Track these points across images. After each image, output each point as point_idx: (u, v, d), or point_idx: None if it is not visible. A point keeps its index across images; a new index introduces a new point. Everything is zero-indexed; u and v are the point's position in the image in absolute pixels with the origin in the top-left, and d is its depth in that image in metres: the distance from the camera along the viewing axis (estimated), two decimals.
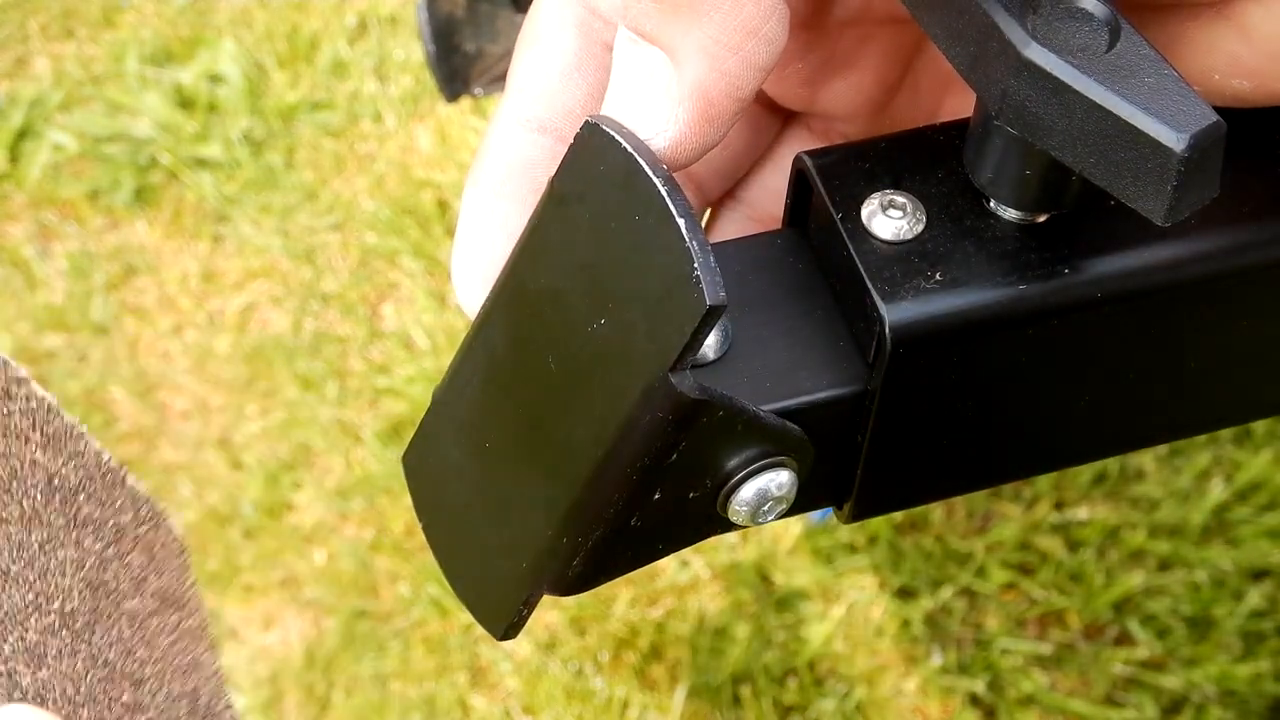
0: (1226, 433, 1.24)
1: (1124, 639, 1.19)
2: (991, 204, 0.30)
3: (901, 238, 0.29)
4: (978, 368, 0.30)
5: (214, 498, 1.38)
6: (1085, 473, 1.25)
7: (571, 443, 0.29)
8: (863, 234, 0.30)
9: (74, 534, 0.25)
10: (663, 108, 0.27)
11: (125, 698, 0.26)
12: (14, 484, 0.24)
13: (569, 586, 0.31)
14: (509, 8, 0.82)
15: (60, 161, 1.62)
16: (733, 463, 0.29)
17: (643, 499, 0.29)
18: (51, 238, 1.57)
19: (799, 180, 0.31)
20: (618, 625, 1.24)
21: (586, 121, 0.27)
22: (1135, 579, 1.20)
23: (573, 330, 0.28)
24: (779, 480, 0.30)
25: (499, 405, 0.31)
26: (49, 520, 0.25)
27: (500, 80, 0.82)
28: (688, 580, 1.26)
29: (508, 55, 0.82)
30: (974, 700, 1.17)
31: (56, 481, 0.25)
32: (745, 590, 1.24)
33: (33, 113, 1.65)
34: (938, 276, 0.29)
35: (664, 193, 0.25)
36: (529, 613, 0.31)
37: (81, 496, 0.25)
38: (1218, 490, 1.22)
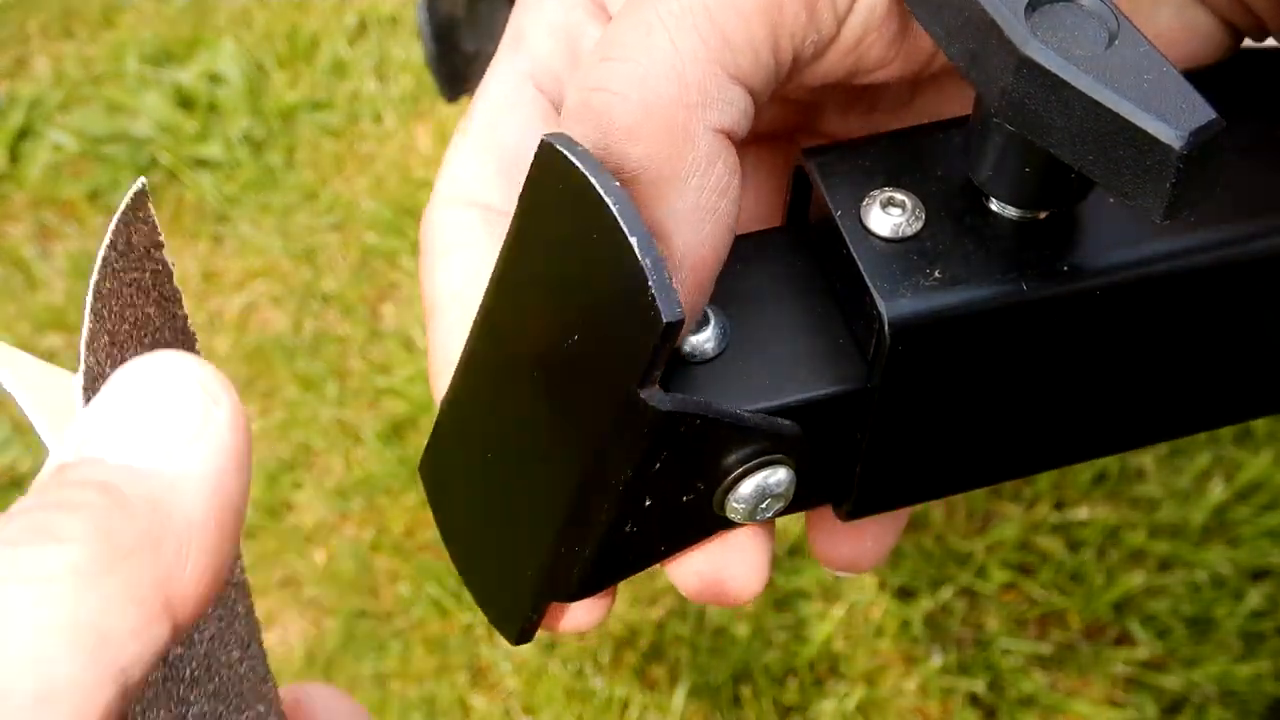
0: (1226, 432, 1.24)
1: (1124, 639, 1.19)
2: (991, 201, 0.30)
3: (900, 235, 0.29)
4: (977, 365, 0.30)
5: None
6: (1085, 472, 1.25)
7: (557, 458, 0.29)
8: (862, 231, 0.30)
9: None
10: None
11: None
12: (135, 332, 0.26)
13: (574, 593, 0.31)
14: (509, 8, 0.82)
15: (60, 161, 1.62)
16: (727, 462, 0.29)
17: (633, 508, 0.29)
18: (51, 238, 1.57)
19: (798, 178, 0.31)
20: (618, 625, 1.24)
21: (543, 140, 0.27)
22: (1135, 579, 1.20)
23: (550, 346, 0.28)
24: (776, 477, 0.30)
25: (495, 419, 0.31)
26: None
27: None
28: None
29: None
30: (974, 700, 1.17)
31: (157, 337, 0.27)
32: None
33: (33, 113, 1.65)
34: (937, 274, 0.29)
35: (615, 211, 0.25)
36: (539, 619, 0.32)
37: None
38: (1218, 490, 1.22)
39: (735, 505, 0.30)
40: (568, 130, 0.27)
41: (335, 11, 1.68)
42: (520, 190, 0.28)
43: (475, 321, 0.31)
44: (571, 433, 0.28)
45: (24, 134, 1.64)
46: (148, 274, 0.27)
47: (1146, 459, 1.25)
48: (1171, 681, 1.16)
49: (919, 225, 0.30)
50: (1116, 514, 1.23)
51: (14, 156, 1.63)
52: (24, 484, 1.37)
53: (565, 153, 0.26)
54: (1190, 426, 0.36)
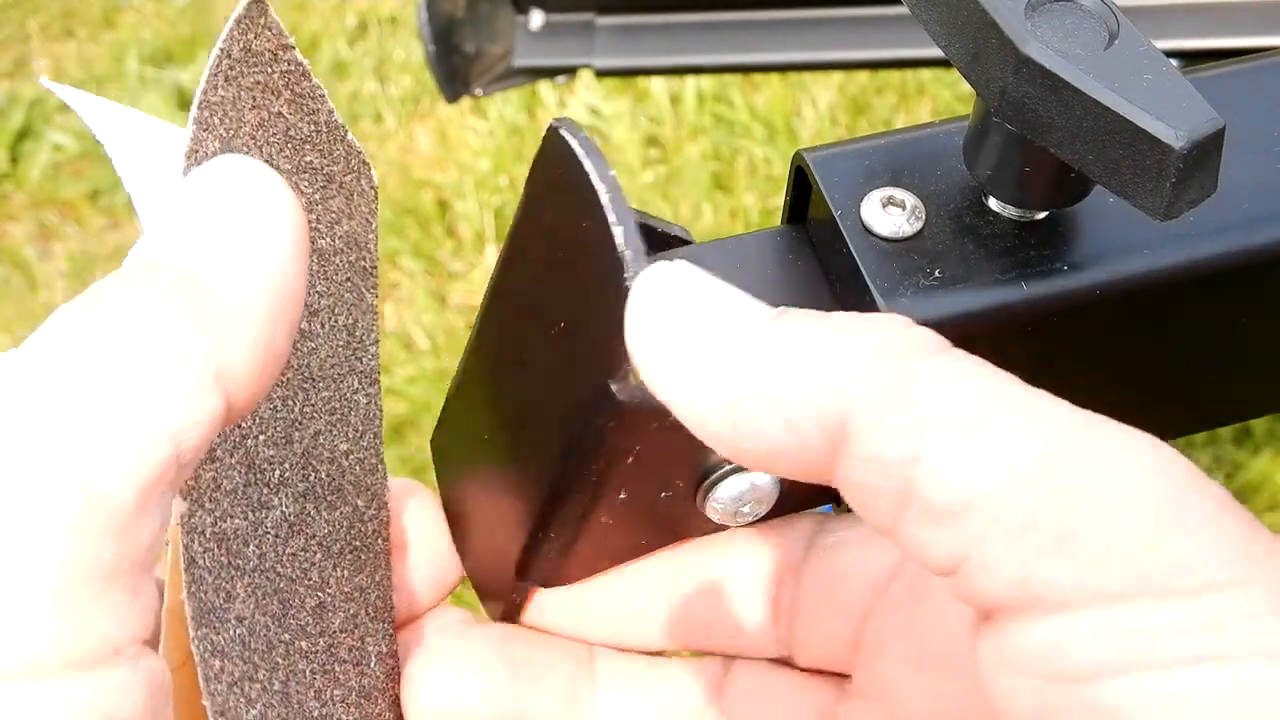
0: (1226, 432, 1.24)
1: None
2: (991, 201, 0.30)
3: (901, 235, 0.29)
4: None
5: None
6: None
7: (539, 443, 0.29)
8: (862, 231, 0.30)
9: (295, 179, 0.29)
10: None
11: (302, 325, 0.30)
12: (259, 132, 0.28)
13: (550, 579, 0.31)
14: (509, 8, 0.82)
15: (60, 161, 1.62)
16: (708, 463, 0.29)
17: (607, 499, 0.29)
18: (51, 238, 1.57)
19: (799, 177, 0.31)
20: None
21: (550, 124, 0.27)
22: None
23: (540, 332, 0.28)
24: (756, 480, 0.30)
25: (491, 401, 0.32)
26: (279, 165, 0.28)
27: (500, 80, 0.82)
28: None
29: (508, 55, 0.82)
30: None
31: (292, 132, 0.29)
32: None
33: (33, 113, 1.65)
34: (937, 274, 0.29)
35: (605, 199, 0.25)
36: (521, 600, 0.32)
37: (308, 147, 0.29)
38: None
39: (715, 505, 0.30)
40: None
41: (335, 11, 1.68)
42: (531, 167, 0.29)
43: (484, 300, 0.31)
44: (552, 419, 0.28)
45: (24, 134, 1.64)
46: (277, 74, 0.28)
47: None
48: None
49: (919, 225, 0.30)
50: None
51: (14, 156, 1.63)
52: None
53: (568, 138, 0.26)
54: (1191, 426, 0.36)
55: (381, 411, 0.33)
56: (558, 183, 0.27)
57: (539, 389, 0.29)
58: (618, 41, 0.80)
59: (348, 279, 0.31)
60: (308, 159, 0.29)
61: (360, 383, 0.32)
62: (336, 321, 0.31)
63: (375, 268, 0.32)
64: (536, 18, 0.82)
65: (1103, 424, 0.22)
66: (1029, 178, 0.29)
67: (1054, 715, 0.20)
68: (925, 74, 1.50)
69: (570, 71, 0.82)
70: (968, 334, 0.29)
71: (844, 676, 0.32)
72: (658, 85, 1.55)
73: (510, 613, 0.33)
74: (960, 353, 0.23)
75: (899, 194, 0.30)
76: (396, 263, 1.50)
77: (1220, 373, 0.34)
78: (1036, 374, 0.32)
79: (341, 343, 0.31)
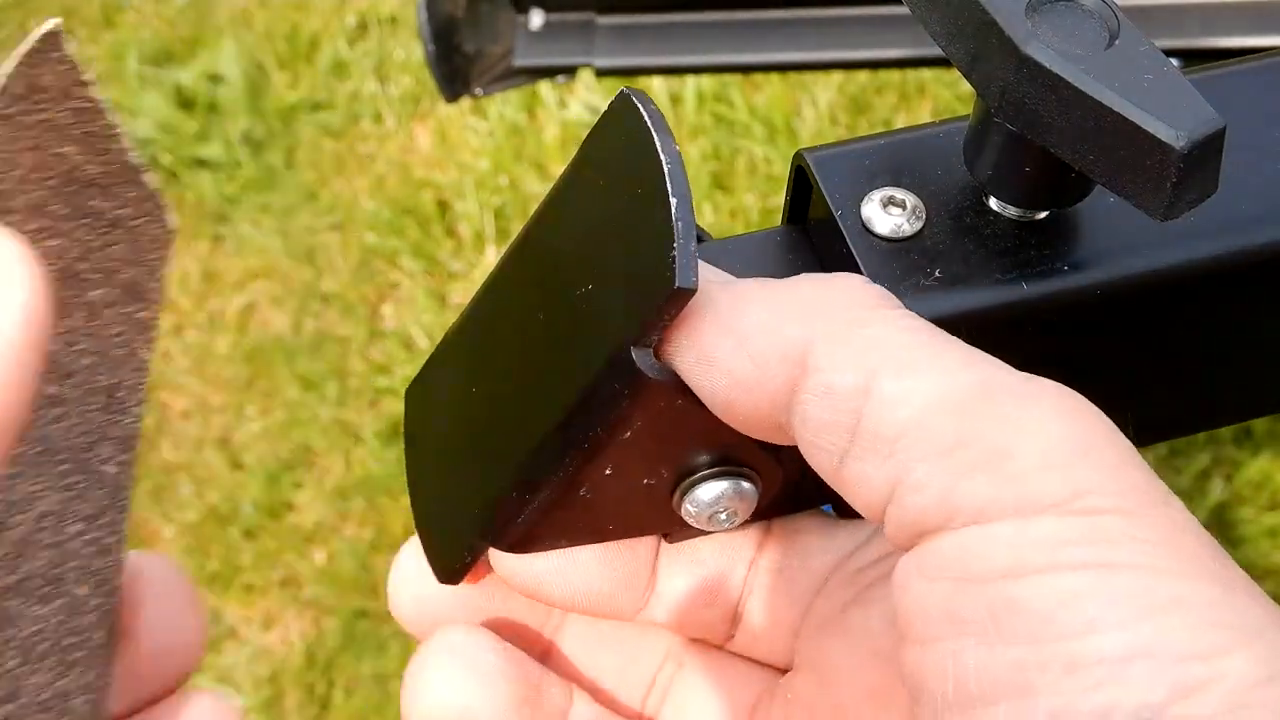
0: (1226, 432, 1.24)
1: None
2: (991, 201, 0.30)
3: (901, 235, 0.30)
4: None
5: (214, 498, 1.38)
6: None
7: (538, 398, 0.29)
8: (862, 231, 0.30)
9: (71, 225, 0.27)
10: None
11: (51, 389, 0.27)
12: (34, 174, 0.26)
13: (513, 544, 0.31)
14: (509, 8, 0.82)
15: None
16: (697, 460, 0.29)
17: (593, 471, 0.29)
18: None
19: (799, 177, 0.31)
20: None
21: (621, 90, 0.28)
22: None
23: (564, 290, 0.28)
24: (741, 488, 0.30)
25: (492, 352, 0.31)
26: (53, 210, 0.26)
27: (500, 80, 0.82)
28: None
29: (508, 55, 0.82)
30: None
31: (76, 174, 0.27)
32: None
33: None
34: (937, 274, 0.29)
35: (666, 170, 0.26)
36: (472, 561, 0.31)
37: (94, 190, 0.27)
38: (1218, 490, 1.22)
39: (690, 508, 0.30)
40: None
41: (335, 11, 1.68)
42: (590, 131, 0.29)
43: (502, 257, 0.31)
44: (559, 377, 0.28)
45: None
46: (66, 112, 0.26)
47: (1146, 459, 1.25)
48: None
49: (919, 225, 0.30)
50: None
51: None
52: None
53: (638, 106, 0.27)
54: (1191, 426, 0.36)
55: (134, 479, 0.30)
56: (618, 148, 0.27)
57: (546, 349, 0.29)
58: (618, 41, 0.80)
59: (119, 333, 0.29)
60: (91, 203, 0.27)
61: (113, 450, 0.29)
62: (96, 383, 0.29)
63: (156, 319, 0.30)
64: (536, 17, 0.82)
65: (1037, 378, 0.25)
66: (1029, 178, 0.29)
67: (960, 612, 0.23)
68: (925, 74, 1.50)
69: (570, 71, 0.82)
70: (968, 334, 0.29)
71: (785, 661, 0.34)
72: (658, 85, 1.55)
73: (457, 573, 0.32)
74: (910, 312, 0.26)
75: (899, 194, 0.30)
76: (396, 263, 1.50)
77: (1220, 373, 0.34)
78: (1036, 373, 0.32)
79: (97, 406, 0.29)
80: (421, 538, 0.33)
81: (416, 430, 0.34)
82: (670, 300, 0.25)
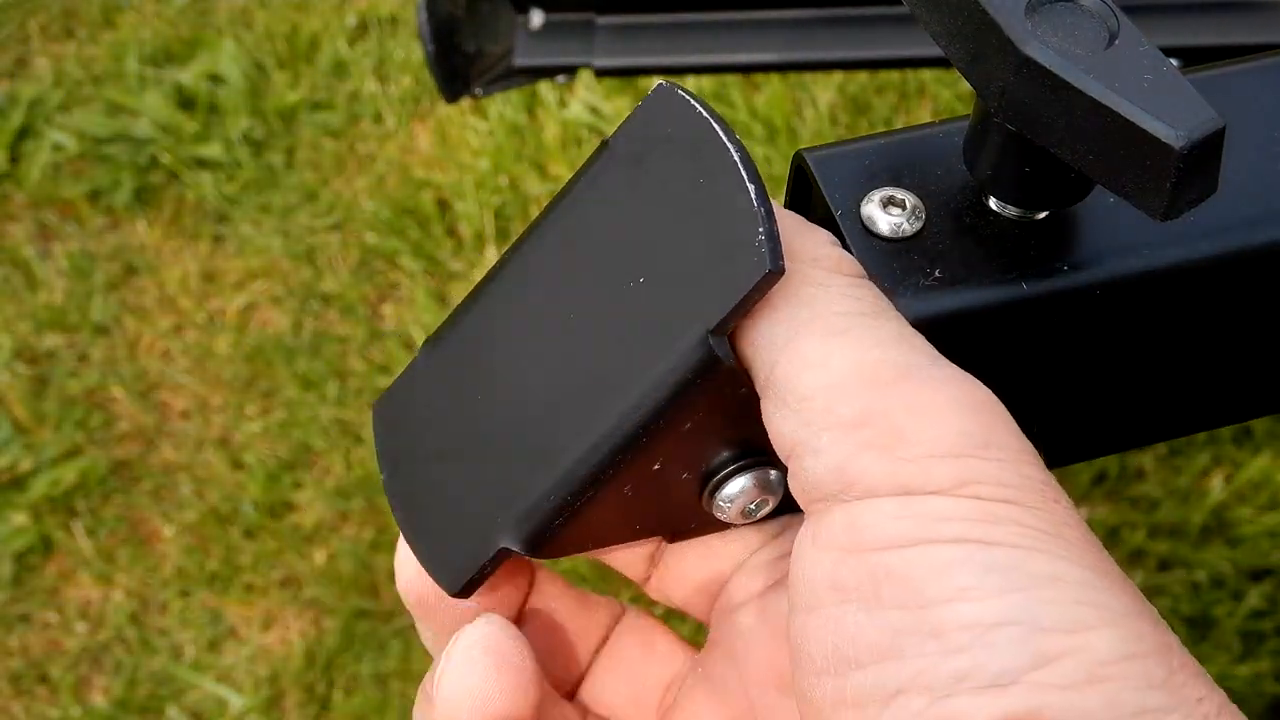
0: (1226, 432, 1.24)
1: None
2: (991, 201, 0.30)
3: (901, 234, 0.30)
4: (976, 364, 0.30)
5: (214, 498, 1.38)
6: (1085, 473, 1.25)
7: (586, 396, 0.29)
8: (862, 231, 0.30)
9: None
10: None
11: None
12: None
13: (544, 548, 0.30)
14: (509, 8, 0.82)
15: (60, 161, 1.62)
16: (724, 454, 0.30)
17: (646, 463, 0.29)
18: (51, 238, 1.57)
19: (799, 176, 0.32)
20: None
21: (659, 84, 0.28)
22: (1135, 579, 1.20)
23: (607, 285, 0.28)
24: (768, 477, 0.30)
25: (508, 354, 0.31)
26: None
27: (500, 80, 0.82)
28: None
29: (508, 55, 0.81)
30: None
31: None
32: None
33: (33, 113, 1.65)
34: (937, 273, 0.29)
35: (737, 159, 0.26)
36: (492, 570, 0.31)
37: None
38: (1218, 490, 1.22)
39: (722, 503, 0.30)
40: None
41: (335, 11, 1.68)
42: (621, 125, 0.29)
43: (500, 264, 0.31)
44: (608, 371, 0.28)
45: (24, 134, 1.64)
46: None
47: (1146, 459, 1.25)
48: None
49: (919, 225, 0.30)
50: (1116, 513, 1.23)
51: (14, 156, 1.63)
52: (24, 484, 1.37)
53: (688, 99, 0.27)
54: (1191, 425, 0.36)
55: None
56: (661, 141, 0.27)
57: (596, 342, 0.29)
58: (618, 41, 0.80)
59: None
60: None
61: None
62: None
63: None
64: (536, 17, 0.82)
65: (953, 368, 0.26)
66: (1029, 178, 0.29)
67: (844, 580, 0.25)
68: (925, 74, 1.50)
69: (570, 71, 0.82)
70: (968, 333, 0.29)
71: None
72: None
73: (473, 584, 0.31)
74: (868, 284, 0.27)
75: (899, 194, 0.30)
76: (396, 263, 1.50)
77: (1220, 373, 0.34)
78: (1035, 372, 0.32)
79: None
80: (417, 552, 0.32)
81: (399, 444, 0.33)
82: (760, 284, 0.26)
